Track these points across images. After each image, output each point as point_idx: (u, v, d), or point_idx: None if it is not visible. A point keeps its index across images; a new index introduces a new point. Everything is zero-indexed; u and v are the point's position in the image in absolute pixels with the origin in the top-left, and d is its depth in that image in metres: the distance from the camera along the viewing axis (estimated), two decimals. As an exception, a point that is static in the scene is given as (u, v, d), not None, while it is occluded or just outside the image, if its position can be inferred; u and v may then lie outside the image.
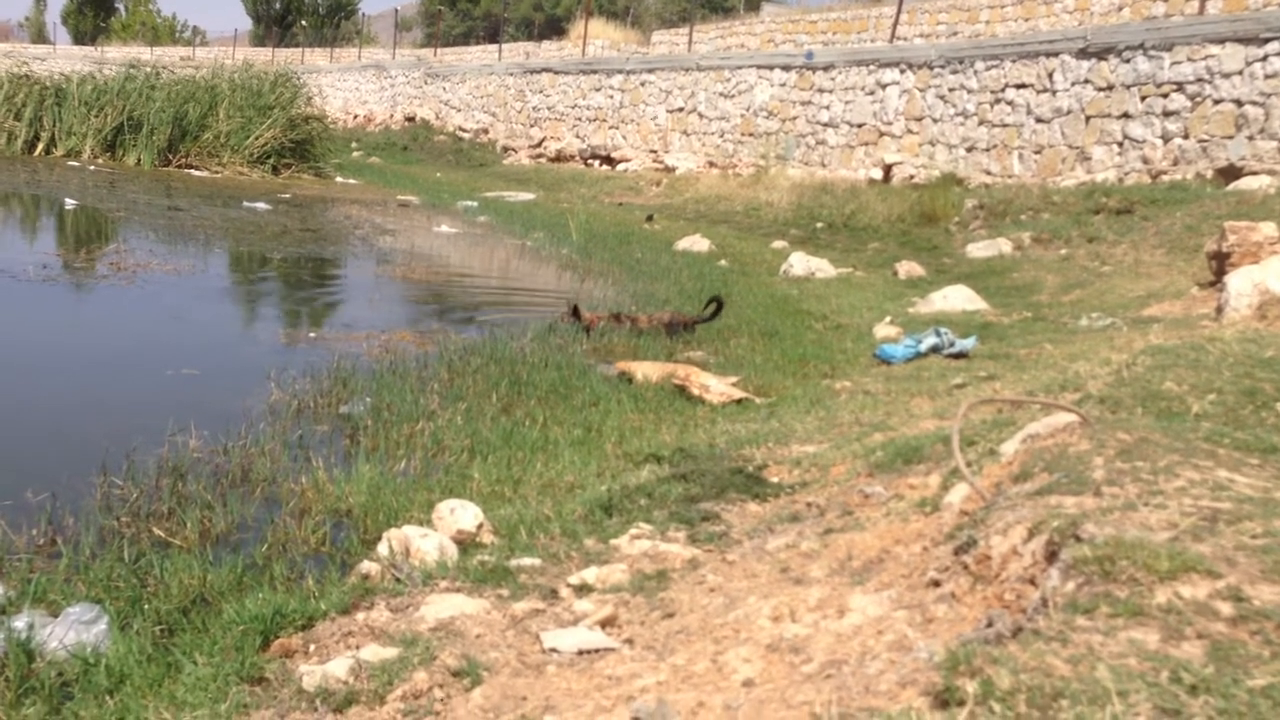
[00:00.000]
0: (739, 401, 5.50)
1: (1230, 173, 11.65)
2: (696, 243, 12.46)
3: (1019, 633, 1.70)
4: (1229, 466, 2.28)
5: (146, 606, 2.90)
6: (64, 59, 46.71)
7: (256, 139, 19.97)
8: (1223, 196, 10.85)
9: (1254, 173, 11.35)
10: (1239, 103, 12.02)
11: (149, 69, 21.98)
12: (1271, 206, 9.78)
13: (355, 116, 34.31)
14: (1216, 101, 12.27)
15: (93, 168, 18.28)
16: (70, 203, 13.24)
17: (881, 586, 2.34)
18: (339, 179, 20.98)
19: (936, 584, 2.21)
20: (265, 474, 4.09)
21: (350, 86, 36.76)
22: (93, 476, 3.90)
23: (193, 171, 19.32)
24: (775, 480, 3.73)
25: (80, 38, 62.57)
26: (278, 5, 56.98)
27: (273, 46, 49.53)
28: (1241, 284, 5.82)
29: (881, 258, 11.97)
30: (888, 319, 7.81)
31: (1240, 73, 12.03)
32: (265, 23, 57.01)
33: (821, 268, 10.59)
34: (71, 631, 2.70)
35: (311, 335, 7.14)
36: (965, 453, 2.92)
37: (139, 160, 19.38)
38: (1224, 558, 1.75)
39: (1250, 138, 11.85)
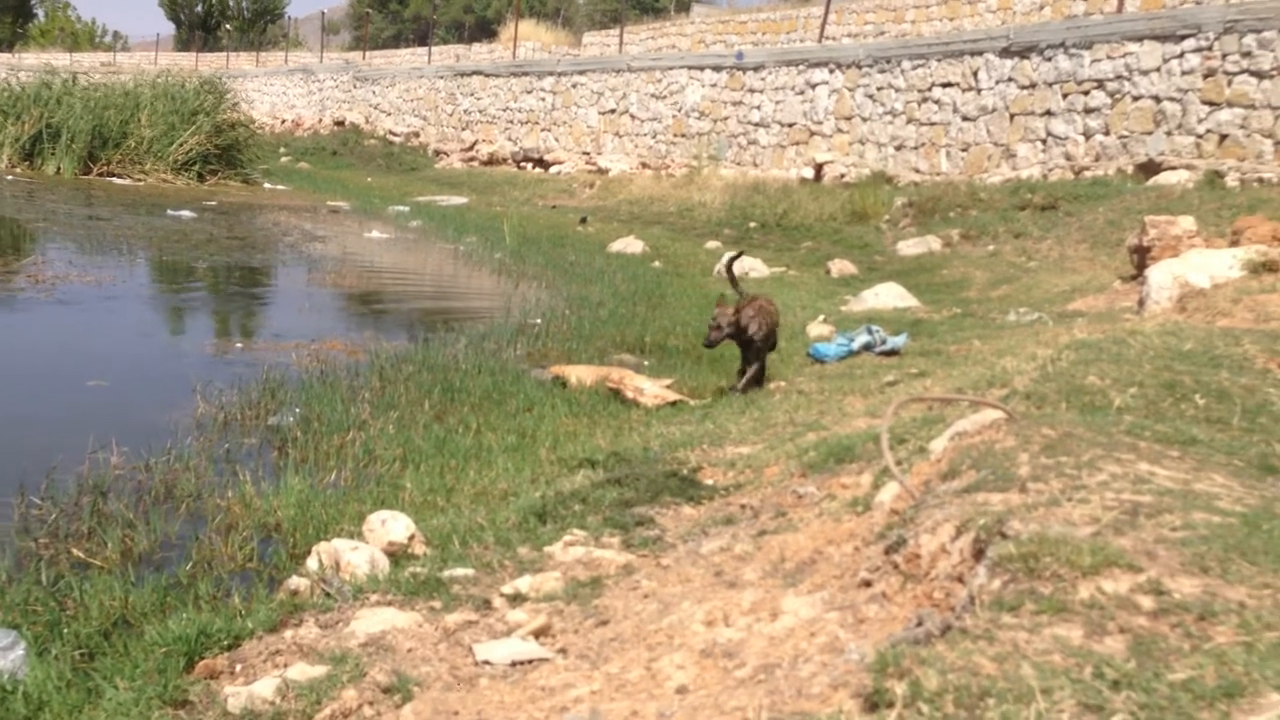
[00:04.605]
0: (673, 404, 5.50)
1: (1150, 168, 11.94)
2: (630, 244, 12.46)
3: (947, 631, 1.70)
4: (1150, 459, 2.32)
5: (65, 630, 2.82)
6: (-21, 66, 45.44)
7: (180, 146, 19.55)
8: (1143, 191, 11.12)
9: (1173, 168, 11.65)
10: (1157, 99, 12.30)
11: (66, 75, 21.42)
12: (1190, 201, 10.04)
13: (283, 121, 33.80)
14: (1136, 98, 12.55)
15: (10, 177, 17.78)
16: (-14, 214, 12.87)
17: (814, 588, 2.34)
18: (267, 185, 20.64)
19: (868, 584, 2.21)
20: (190, 489, 3.99)
21: (278, 91, 36.21)
22: (9, 496, 3.77)
23: (115, 180, 18.86)
24: (710, 482, 3.73)
25: (-5, 44, 60.93)
26: (199, 9, 55.92)
27: (196, 51, 48.61)
28: (1162, 277, 5.96)
29: (814, 256, 12.06)
30: (821, 317, 7.86)
31: (1158, 69, 12.32)
32: (188, 27, 55.92)
33: (755, 267, 10.64)
34: (-14, 659, 2.61)
35: (239, 346, 7.00)
36: (895, 451, 2.94)
37: (59, 169, 18.87)
38: (1145, 551, 1.77)
39: (1169, 133, 12.13)
